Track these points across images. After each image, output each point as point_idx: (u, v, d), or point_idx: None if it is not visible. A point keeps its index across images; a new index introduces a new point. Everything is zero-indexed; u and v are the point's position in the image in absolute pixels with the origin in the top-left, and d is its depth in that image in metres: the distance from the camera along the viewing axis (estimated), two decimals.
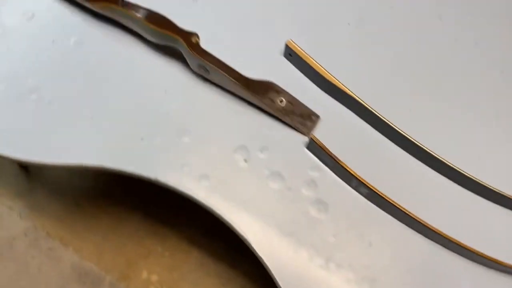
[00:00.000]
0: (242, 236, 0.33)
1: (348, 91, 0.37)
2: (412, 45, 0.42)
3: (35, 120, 0.37)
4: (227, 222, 0.34)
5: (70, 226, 0.54)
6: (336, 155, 0.35)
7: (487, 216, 0.35)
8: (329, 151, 0.35)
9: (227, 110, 0.37)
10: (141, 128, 0.37)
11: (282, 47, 0.39)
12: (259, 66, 0.38)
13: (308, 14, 0.42)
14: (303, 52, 0.38)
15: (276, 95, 0.36)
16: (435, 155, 0.35)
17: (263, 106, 0.36)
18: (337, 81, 0.37)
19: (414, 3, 0.44)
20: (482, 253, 0.33)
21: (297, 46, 0.38)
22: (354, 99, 0.37)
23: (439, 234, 0.33)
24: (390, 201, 0.33)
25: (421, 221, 0.33)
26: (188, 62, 0.37)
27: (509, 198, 0.35)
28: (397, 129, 0.36)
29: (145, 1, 0.39)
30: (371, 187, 0.34)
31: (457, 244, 0.33)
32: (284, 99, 0.37)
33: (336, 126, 0.37)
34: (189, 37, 0.35)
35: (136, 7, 0.37)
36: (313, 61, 0.38)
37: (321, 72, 0.38)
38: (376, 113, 0.36)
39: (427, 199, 0.35)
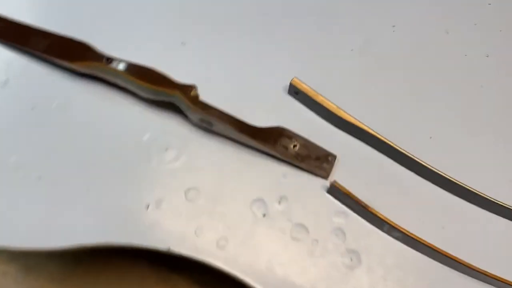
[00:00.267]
0: None
1: (361, 125, 0.35)
2: (422, 62, 0.39)
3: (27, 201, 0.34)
4: None
5: (70, 287, 0.50)
6: (360, 197, 0.32)
7: None
8: (352, 195, 0.32)
9: (237, 162, 0.34)
10: (145, 194, 0.33)
11: (285, 85, 0.36)
12: (264, 109, 0.35)
13: (308, 46, 0.39)
14: (310, 89, 0.35)
15: (288, 141, 0.33)
16: (466, 186, 0.33)
17: (276, 154, 0.34)
18: (349, 116, 0.35)
19: (417, 19, 0.41)
20: None
21: (302, 84, 0.35)
22: (369, 132, 0.34)
23: (484, 274, 0.30)
24: (427, 243, 0.31)
25: (464, 263, 0.30)
26: (188, 116, 0.34)
27: None
28: (418, 160, 0.34)
29: (130, 48, 0.36)
30: (404, 231, 0.31)
31: (504, 282, 0.30)
32: (297, 143, 0.34)
33: (355, 163, 0.35)
34: (187, 91, 0.32)
35: (123, 62, 0.34)
36: (321, 97, 0.35)
37: (330, 108, 0.35)
38: (395, 146, 0.34)
39: (465, 234, 0.33)
